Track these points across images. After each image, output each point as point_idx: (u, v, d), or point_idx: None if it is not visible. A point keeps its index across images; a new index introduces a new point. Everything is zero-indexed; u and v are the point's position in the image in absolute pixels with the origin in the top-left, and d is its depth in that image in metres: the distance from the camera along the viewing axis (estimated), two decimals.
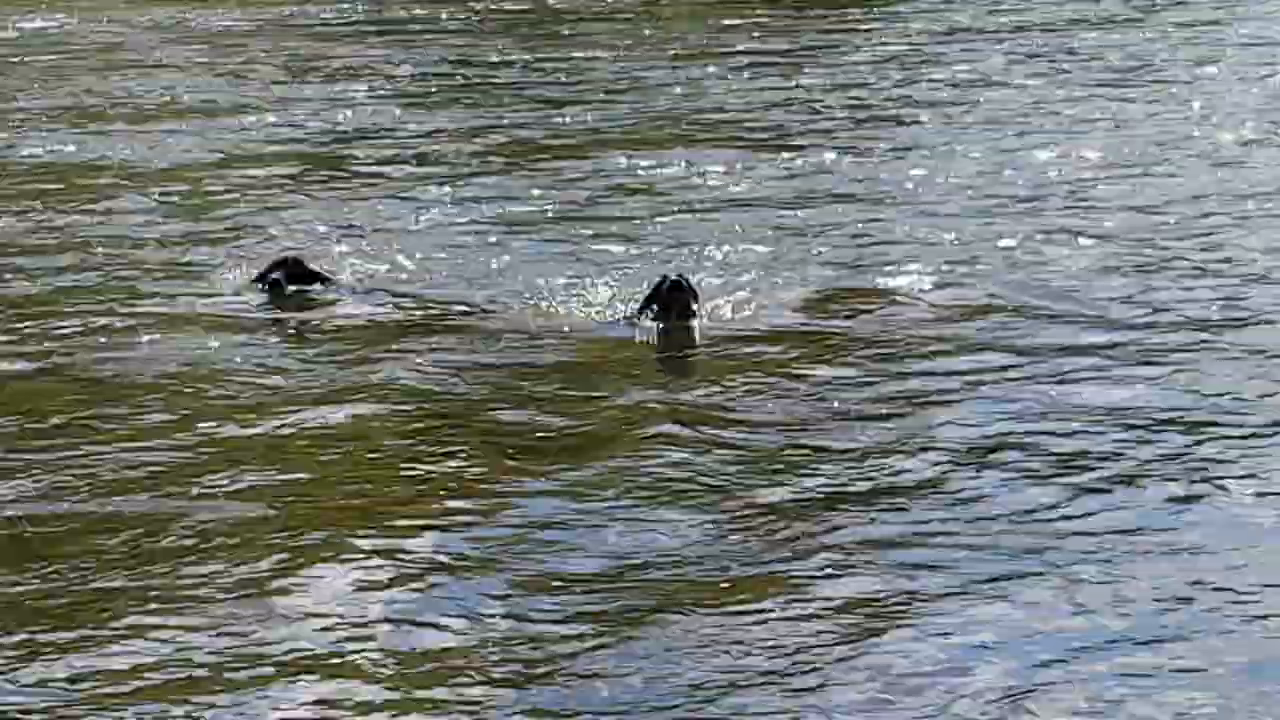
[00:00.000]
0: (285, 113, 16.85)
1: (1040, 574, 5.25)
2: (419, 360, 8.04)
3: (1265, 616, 4.57)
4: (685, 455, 6.48)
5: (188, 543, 5.88)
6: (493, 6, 25.96)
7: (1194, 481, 6.11)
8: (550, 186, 12.70)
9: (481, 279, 9.83)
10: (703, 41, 21.44)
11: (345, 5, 26.54)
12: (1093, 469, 6.37)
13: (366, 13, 25.92)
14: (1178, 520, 5.72)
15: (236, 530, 5.95)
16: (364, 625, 4.81)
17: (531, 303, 9.22)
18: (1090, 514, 5.84)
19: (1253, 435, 6.68)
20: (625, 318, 8.63)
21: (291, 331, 9.04)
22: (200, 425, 7.15)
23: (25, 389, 8.08)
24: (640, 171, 13.12)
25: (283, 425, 7.21)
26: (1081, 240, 10.70)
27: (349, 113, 16.63)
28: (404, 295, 9.45)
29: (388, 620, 4.80)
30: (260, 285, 9.50)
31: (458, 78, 19.29)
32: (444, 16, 24.91)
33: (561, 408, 7.21)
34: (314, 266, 9.69)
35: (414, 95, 17.90)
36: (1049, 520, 5.73)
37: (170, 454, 6.72)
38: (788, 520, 5.97)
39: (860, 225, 11.10)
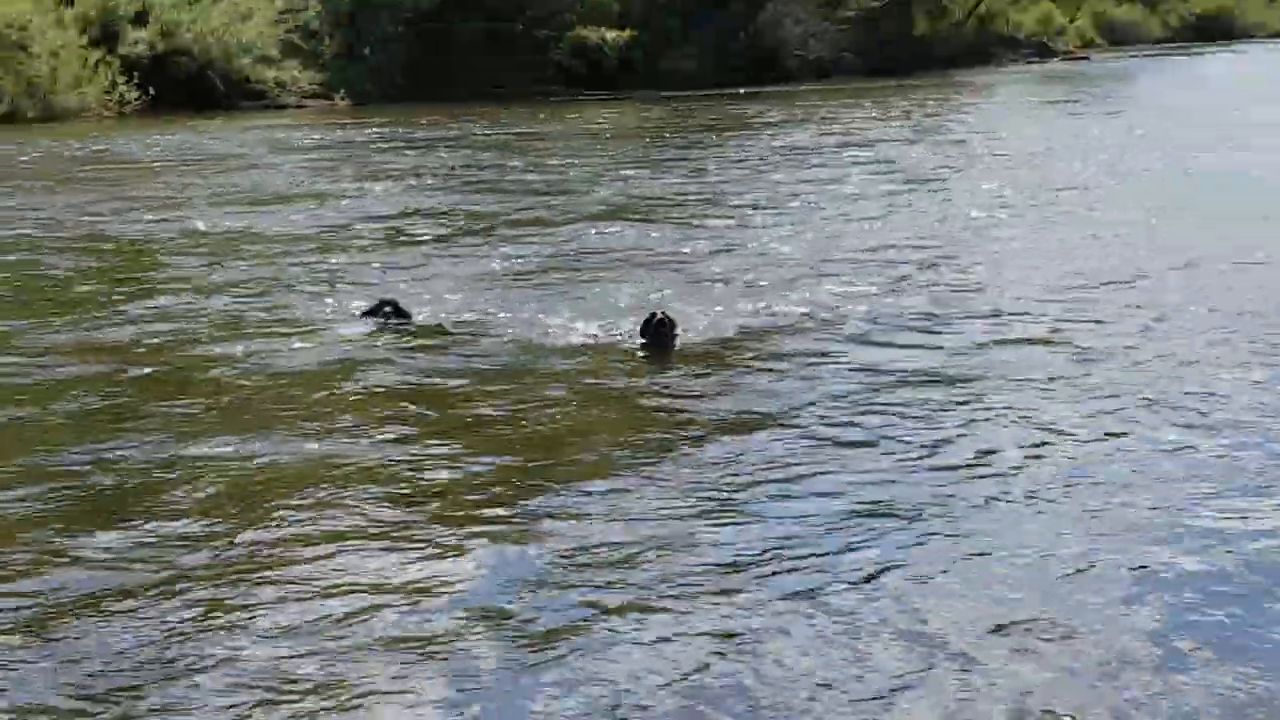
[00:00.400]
0: (361, 198, 20.21)
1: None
2: (477, 364, 9.79)
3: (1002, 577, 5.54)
4: (663, 435, 8.02)
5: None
6: (488, 133, 31.45)
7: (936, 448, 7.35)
8: (543, 248, 15.08)
9: (507, 311, 11.40)
10: (635, 154, 26.93)
11: (390, 128, 32.17)
12: (909, 449, 7.53)
13: (405, 134, 31.28)
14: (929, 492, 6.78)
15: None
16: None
17: (551, 328, 10.76)
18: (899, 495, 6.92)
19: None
20: (626, 340, 10.13)
21: (393, 343, 10.48)
22: (335, 408, 8.70)
23: (209, 378, 9.70)
24: (603, 239, 15.76)
25: (394, 404, 8.86)
26: (898, 282, 12.89)
27: (405, 199, 20.07)
28: (462, 323, 10.94)
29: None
30: (371, 316, 11.03)
31: (473, 177, 22.98)
32: (458, 134, 30.49)
33: (580, 399, 8.78)
34: (402, 304, 11.11)
35: (445, 188, 21.43)
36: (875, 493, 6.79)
37: (309, 424, 8.28)
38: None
39: (751, 273, 13.32)
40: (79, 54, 35.84)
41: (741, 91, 44.30)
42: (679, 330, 9.73)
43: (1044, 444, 7.57)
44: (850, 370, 9.51)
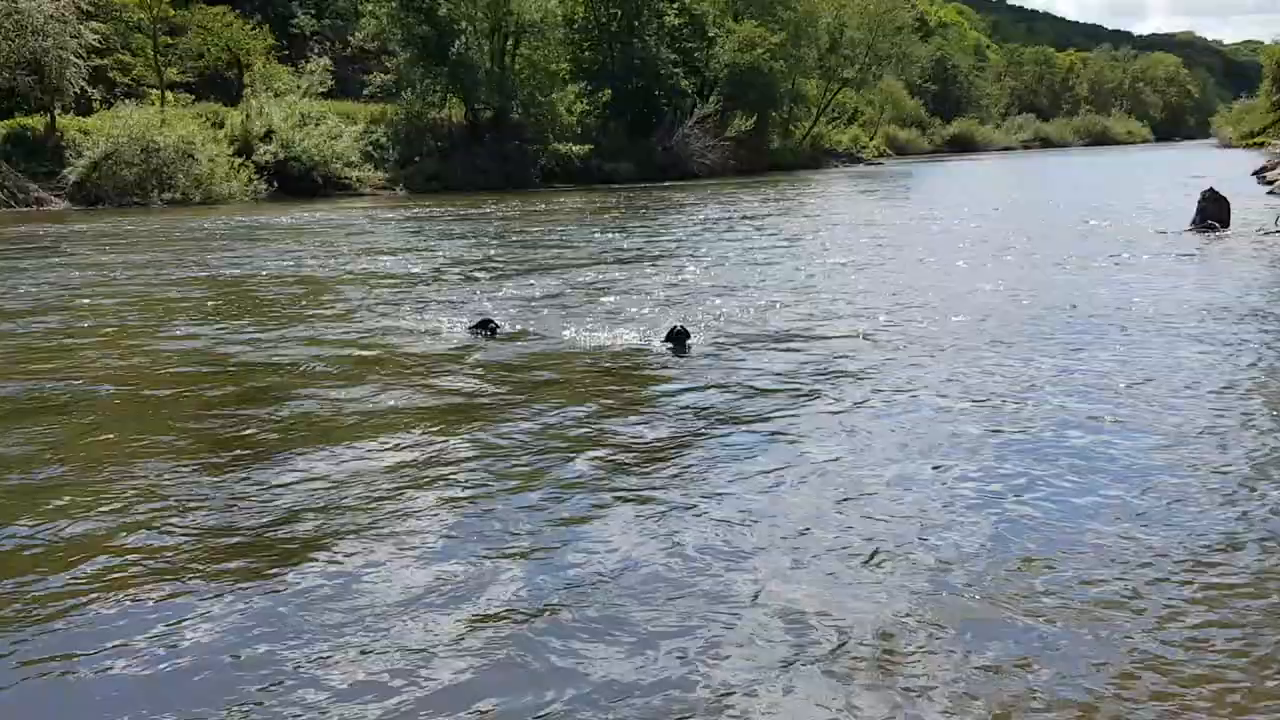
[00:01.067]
0: (436, 252, 19.50)
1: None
2: (546, 352, 9.39)
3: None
4: (694, 399, 7.51)
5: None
6: (503, 211, 30.68)
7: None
8: (560, 282, 14.39)
9: (555, 323, 10.88)
10: (602, 223, 26.05)
11: (438, 209, 31.80)
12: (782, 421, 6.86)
13: (450, 212, 30.88)
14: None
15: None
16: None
17: (597, 335, 10.20)
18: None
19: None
20: (655, 344, 9.43)
21: (494, 345, 9.88)
22: (438, 395, 8.02)
23: (333, 370, 9.08)
24: (596, 275, 15.12)
25: (490, 386, 8.25)
26: (772, 305, 12.19)
27: (461, 252, 19.43)
28: (530, 332, 10.39)
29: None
30: (476, 329, 10.42)
31: (501, 238, 22.55)
32: (485, 212, 29.36)
33: (623, 386, 8.13)
34: (493, 320, 10.54)
35: (485, 244, 20.79)
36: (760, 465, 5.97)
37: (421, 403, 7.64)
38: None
39: (694, 298, 12.67)
40: (227, 160, 37.16)
41: (664, 184, 45.21)
42: (689, 340, 9.39)
43: (862, 407, 7.36)
44: (775, 358, 9.22)
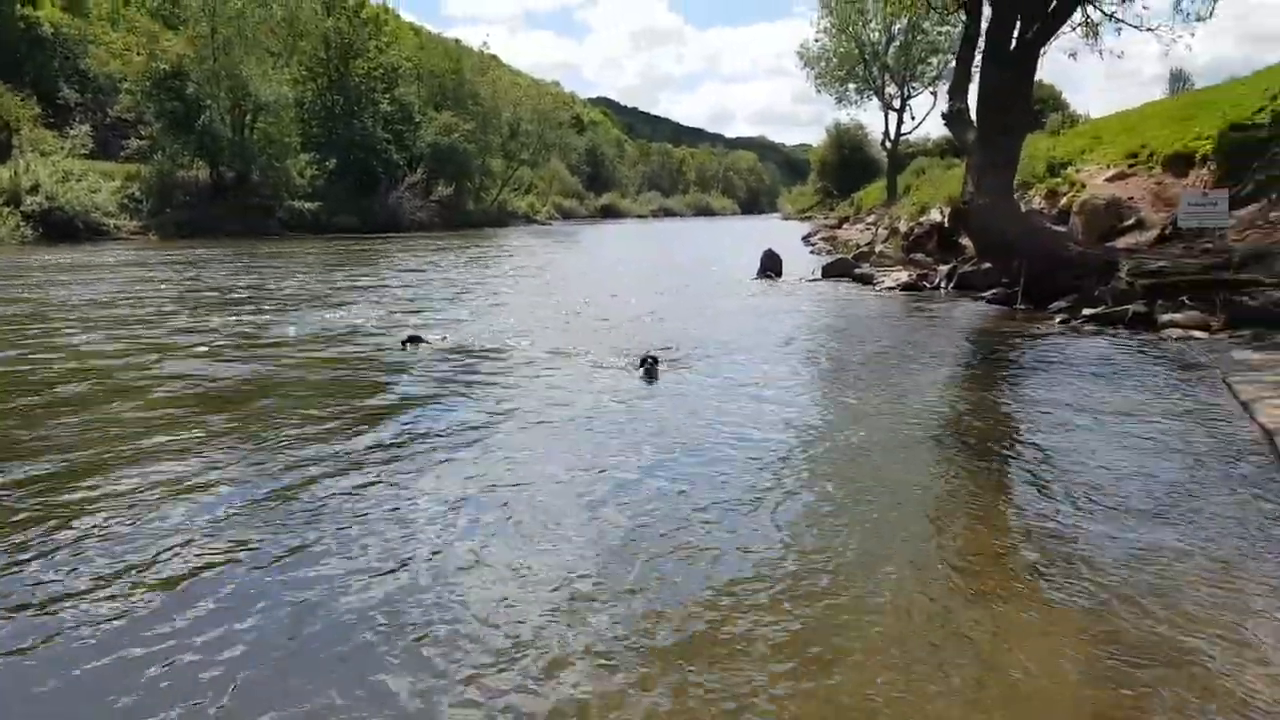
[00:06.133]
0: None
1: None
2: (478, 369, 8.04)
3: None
4: (655, 406, 6.49)
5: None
6: (249, 252, 27.45)
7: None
8: (313, 310, 12.88)
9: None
10: (333, 262, 24.09)
11: (190, 250, 28.44)
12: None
13: (202, 254, 27.67)
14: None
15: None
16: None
17: (336, 346, 9.44)
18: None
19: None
20: (630, 368, 8.00)
21: (419, 354, 8.95)
22: (360, 389, 7.31)
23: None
24: (334, 300, 13.83)
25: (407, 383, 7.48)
26: (475, 322, 11.81)
27: (231, 281, 17.70)
28: (467, 349, 9.25)
29: None
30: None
31: (257, 273, 20.32)
32: (234, 253, 25.98)
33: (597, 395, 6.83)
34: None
35: (245, 278, 18.67)
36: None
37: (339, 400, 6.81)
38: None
39: (415, 318, 11.96)
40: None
41: (383, 236, 44.12)
42: (657, 366, 7.98)
43: (552, 404, 6.92)
44: (513, 359, 8.82)
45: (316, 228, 45.36)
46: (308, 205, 45.47)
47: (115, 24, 47.81)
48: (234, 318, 12.12)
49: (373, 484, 4.88)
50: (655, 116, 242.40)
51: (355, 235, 44.27)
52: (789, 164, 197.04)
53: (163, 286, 16.75)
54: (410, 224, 51.51)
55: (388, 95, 56.28)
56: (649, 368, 7.69)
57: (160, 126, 42.51)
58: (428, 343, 9.65)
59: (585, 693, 2.89)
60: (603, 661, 3.08)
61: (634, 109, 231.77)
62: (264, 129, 45.18)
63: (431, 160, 57.79)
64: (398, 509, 4.49)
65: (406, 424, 6.16)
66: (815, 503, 4.65)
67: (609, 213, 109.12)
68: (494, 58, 77.86)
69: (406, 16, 70.95)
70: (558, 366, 8.39)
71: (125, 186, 41.02)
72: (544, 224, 75.71)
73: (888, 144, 51.32)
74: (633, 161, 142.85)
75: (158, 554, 3.91)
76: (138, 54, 41.50)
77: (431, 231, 50.29)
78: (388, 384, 7.65)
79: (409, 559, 3.90)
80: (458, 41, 77.11)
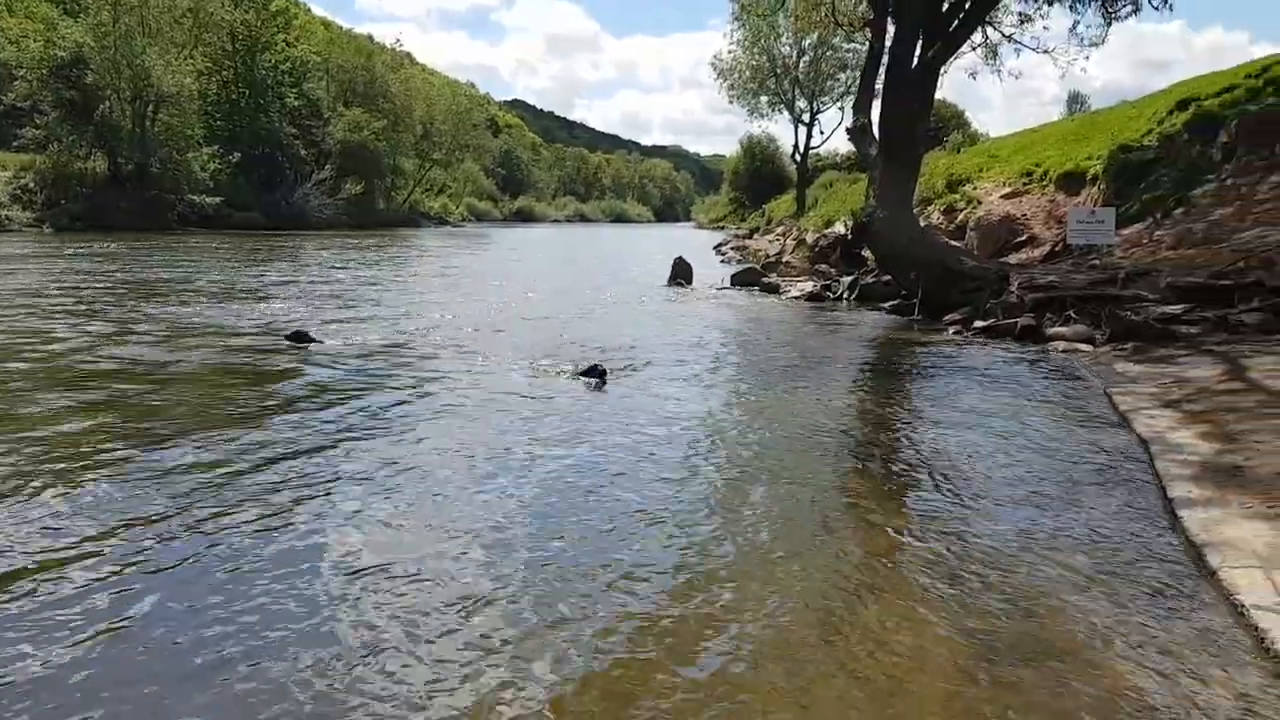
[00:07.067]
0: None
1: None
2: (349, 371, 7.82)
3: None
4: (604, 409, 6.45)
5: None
6: (147, 246, 26.65)
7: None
8: (219, 303, 12.69)
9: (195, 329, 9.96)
10: (243, 257, 23.54)
11: (87, 245, 27.08)
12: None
13: (97, 249, 26.11)
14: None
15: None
16: None
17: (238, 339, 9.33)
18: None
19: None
20: (575, 376, 7.84)
21: (302, 353, 8.76)
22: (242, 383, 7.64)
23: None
24: (242, 289, 13.74)
25: (293, 382, 7.47)
26: (393, 323, 11.74)
27: (127, 275, 16.95)
28: (365, 352, 8.97)
29: None
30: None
31: (152, 266, 19.73)
32: (134, 249, 24.90)
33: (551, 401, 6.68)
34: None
35: (118, 273, 17.97)
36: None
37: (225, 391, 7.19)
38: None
39: (294, 315, 11.87)
40: None
41: (286, 233, 43.27)
42: (606, 374, 7.91)
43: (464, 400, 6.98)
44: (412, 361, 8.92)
45: (219, 223, 43.93)
46: (210, 200, 43.82)
47: (11, 9, 45.75)
48: (122, 311, 11.82)
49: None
50: (571, 121, 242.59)
51: (259, 231, 43.19)
52: (704, 173, 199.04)
53: (48, 280, 15.97)
54: (317, 221, 50.32)
55: (296, 90, 54.96)
56: (599, 377, 7.69)
57: (56, 116, 40.65)
58: (317, 341, 9.45)
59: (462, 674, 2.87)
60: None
61: (550, 113, 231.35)
62: (166, 121, 43.63)
63: (340, 157, 56.55)
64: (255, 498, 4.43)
65: (284, 428, 5.96)
66: (713, 503, 4.68)
67: (523, 216, 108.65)
68: (407, 55, 76.61)
69: (317, 11, 69.19)
70: (465, 369, 8.32)
71: (18, 177, 39.01)
72: (457, 226, 74.96)
73: (797, 157, 52.28)
74: (548, 165, 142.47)
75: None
76: (34, 40, 40.02)
77: (339, 230, 49.27)
78: (270, 387, 7.40)
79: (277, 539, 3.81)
80: (370, 38, 75.59)
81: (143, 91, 42.49)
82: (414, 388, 7.33)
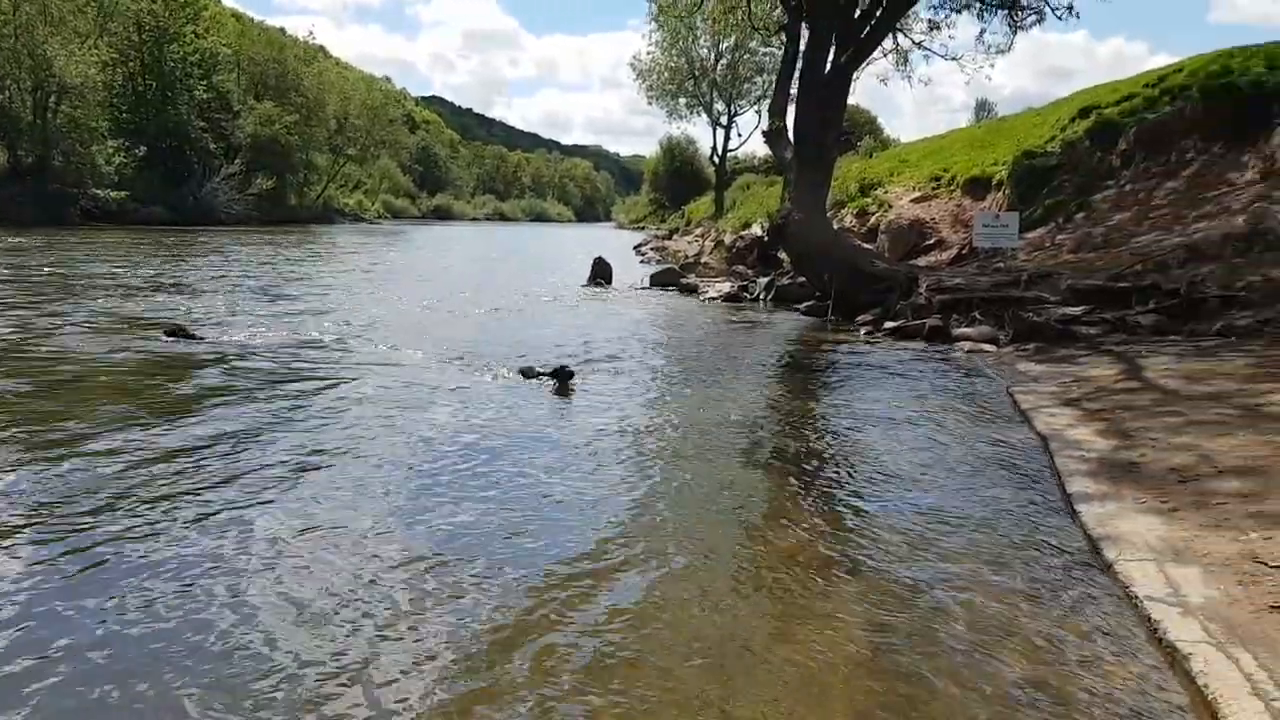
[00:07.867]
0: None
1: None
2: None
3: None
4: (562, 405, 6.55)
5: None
6: (47, 240, 25.07)
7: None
8: (146, 293, 12.51)
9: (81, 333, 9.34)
10: (151, 252, 22.24)
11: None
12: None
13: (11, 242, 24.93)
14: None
15: None
16: None
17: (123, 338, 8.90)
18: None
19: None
20: (542, 376, 7.72)
21: (185, 347, 8.64)
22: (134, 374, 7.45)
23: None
24: (145, 282, 13.53)
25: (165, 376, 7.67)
26: (314, 320, 11.82)
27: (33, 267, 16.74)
28: (246, 349, 8.75)
29: None
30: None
31: (66, 258, 19.01)
32: (44, 243, 23.48)
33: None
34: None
35: (67, 267, 17.57)
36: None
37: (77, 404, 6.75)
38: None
39: (244, 310, 11.95)
40: None
41: (194, 229, 41.68)
42: (572, 376, 7.81)
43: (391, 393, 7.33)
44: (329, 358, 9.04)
45: (123, 218, 42.22)
46: (114, 194, 42.06)
47: None
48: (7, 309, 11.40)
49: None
50: (490, 119, 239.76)
51: (166, 227, 41.59)
52: (624, 173, 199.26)
53: None
54: (226, 217, 48.50)
55: (205, 83, 53.08)
56: (562, 379, 7.63)
57: None
58: (197, 338, 9.21)
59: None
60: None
61: (469, 110, 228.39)
62: (68, 112, 41.59)
63: (251, 151, 54.88)
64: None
65: (177, 429, 5.84)
66: (627, 497, 4.71)
67: (441, 214, 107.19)
68: (320, 48, 74.66)
69: (227, 2, 66.66)
70: (374, 370, 8.20)
71: None
72: (372, 223, 73.73)
73: (716, 159, 52.69)
74: (466, 163, 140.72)
75: None
76: None
77: (249, 226, 47.84)
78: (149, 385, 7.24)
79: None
80: (282, 30, 73.52)
81: (44, 82, 40.62)
82: (291, 384, 7.27)
